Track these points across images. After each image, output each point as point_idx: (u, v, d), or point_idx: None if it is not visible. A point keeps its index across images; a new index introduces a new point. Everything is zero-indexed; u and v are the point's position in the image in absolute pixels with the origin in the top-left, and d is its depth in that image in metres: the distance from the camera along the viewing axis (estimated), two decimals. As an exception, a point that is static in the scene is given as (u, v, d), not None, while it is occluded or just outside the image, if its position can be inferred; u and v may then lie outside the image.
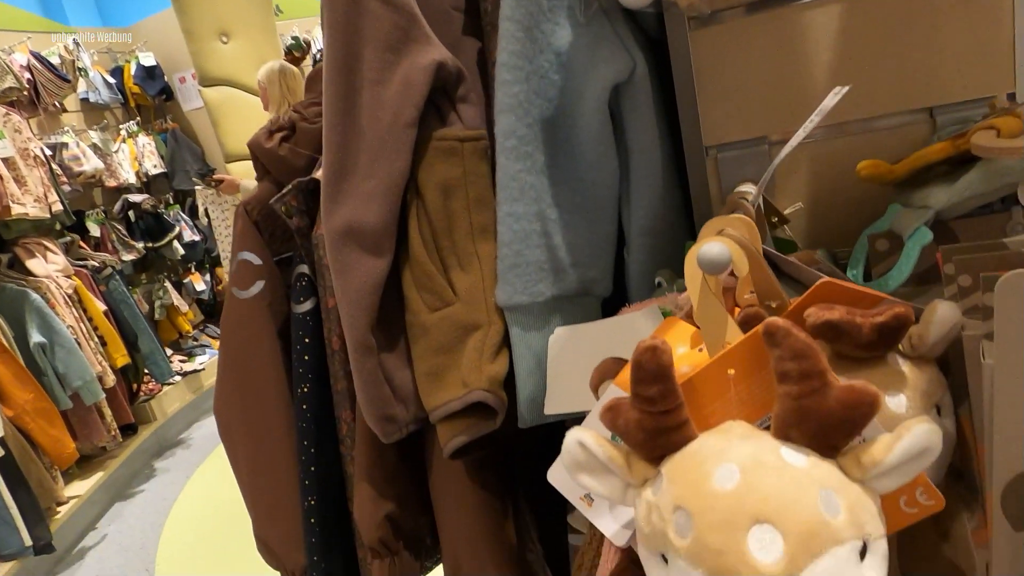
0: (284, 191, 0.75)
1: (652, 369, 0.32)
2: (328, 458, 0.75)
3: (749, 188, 0.64)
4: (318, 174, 0.73)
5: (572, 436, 0.32)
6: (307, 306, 0.77)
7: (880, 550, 0.29)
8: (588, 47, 0.60)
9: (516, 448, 0.68)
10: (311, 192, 0.75)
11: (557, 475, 0.42)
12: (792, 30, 0.61)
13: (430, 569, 0.77)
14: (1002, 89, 0.57)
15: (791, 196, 0.65)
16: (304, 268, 0.78)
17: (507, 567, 0.65)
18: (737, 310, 0.46)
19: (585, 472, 0.32)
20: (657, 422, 0.32)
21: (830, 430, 0.30)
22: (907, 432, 0.29)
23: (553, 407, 0.57)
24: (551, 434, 0.69)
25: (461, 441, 0.59)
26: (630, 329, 0.52)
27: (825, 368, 0.30)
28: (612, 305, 0.67)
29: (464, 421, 0.59)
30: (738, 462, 0.30)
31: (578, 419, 0.61)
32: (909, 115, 0.60)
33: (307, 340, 0.75)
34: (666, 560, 0.29)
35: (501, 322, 0.61)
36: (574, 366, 0.58)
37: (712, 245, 0.34)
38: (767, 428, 0.32)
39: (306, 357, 0.75)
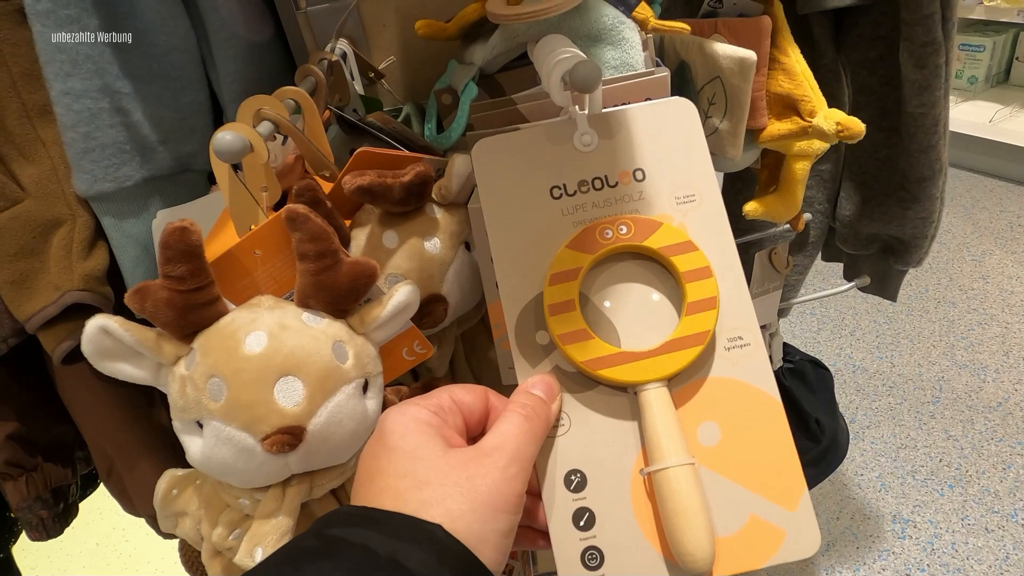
0: None
1: (180, 249, 0.33)
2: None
3: (343, 45, 0.65)
4: None
5: (93, 324, 0.32)
6: None
7: (377, 383, 0.37)
8: None
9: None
10: None
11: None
12: None
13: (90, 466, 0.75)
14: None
15: (385, 50, 0.68)
16: None
17: (161, 451, 0.67)
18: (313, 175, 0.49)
19: (112, 359, 0.33)
20: (187, 299, 0.34)
21: (340, 298, 0.36)
22: (395, 294, 0.36)
23: (167, 292, 0.56)
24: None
25: (68, 347, 0.56)
26: (223, 206, 0.52)
27: (337, 248, 0.35)
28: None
29: (67, 325, 0.56)
30: (266, 329, 0.34)
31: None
32: (472, -32, 0.64)
33: None
34: (201, 426, 0.33)
35: (88, 213, 0.56)
36: (182, 248, 0.57)
37: (224, 135, 0.35)
38: (292, 299, 0.36)
39: None
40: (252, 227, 0.38)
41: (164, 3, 0.56)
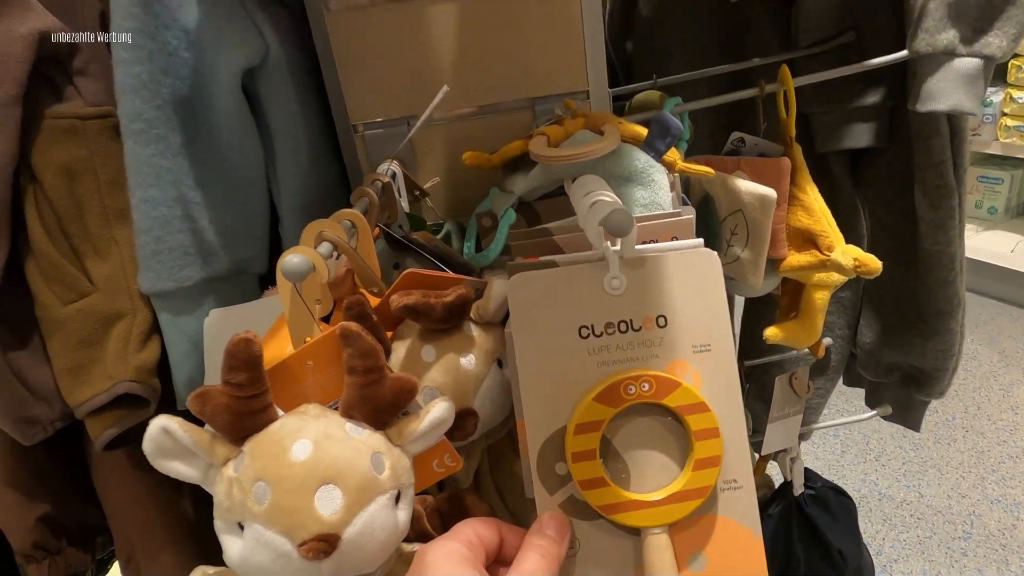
0: None
1: (244, 359, 0.36)
2: (-35, 467, 0.67)
3: (393, 165, 0.71)
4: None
5: (156, 424, 0.35)
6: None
7: (409, 495, 0.39)
8: (217, 28, 0.59)
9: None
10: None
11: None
12: (418, 22, 0.67)
13: (106, 550, 0.76)
14: (582, 86, 0.71)
15: (431, 171, 0.74)
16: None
17: (183, 543, 0.67)
18: (360, 288, 0.53)
19: (169, 457, 0.36)
20: (244, 406, 0.36)
21: (382, 411, 0.38)
22: (432, 409, 0.38)
23: (211, 386, 0.59)
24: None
25: (112, 434, 0.58)
26: (275, 311, 0.56)
27: (383, 364, 0.38)
28: (275, 279, 0.70)
29: (114, 414, 0.58)
30: (311, 437, 0.36)
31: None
32: (515, 104, 0.71)
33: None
34: (242, 528, 0.35)
35: (148, 309, 0.61)
36: (229, 345, 0.61)
37: (292, 258, 0.39)
38: (336, 408, 0.39)
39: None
40: (307, 339, 0.42)
41: (241, 125, 0.62)
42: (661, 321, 0.40)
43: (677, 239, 0.47)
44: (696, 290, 0.39)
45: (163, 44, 0.57)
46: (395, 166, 0.71)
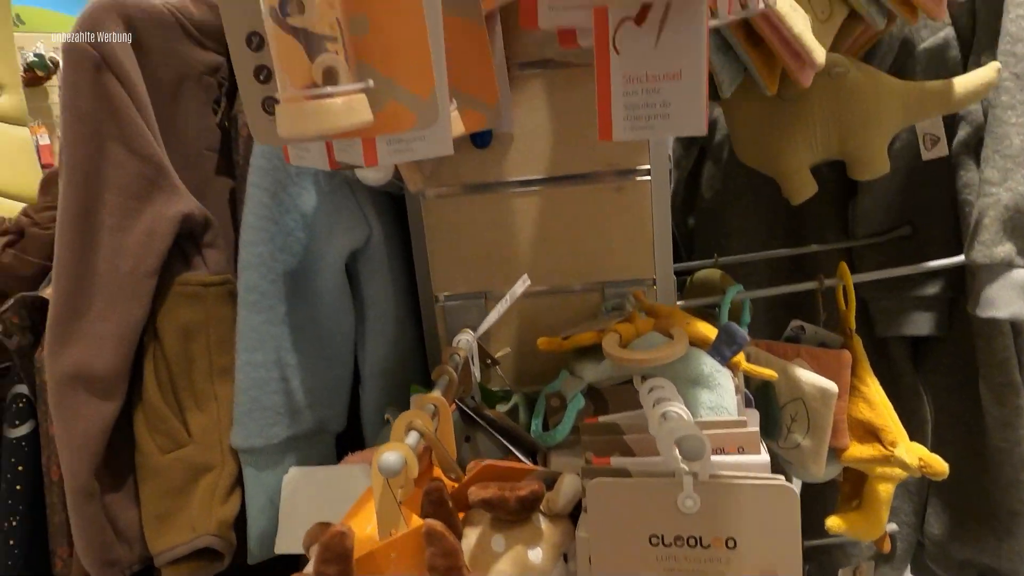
0: (4, 307, 0.71)
1: (338, 551, 0.39)
2: (40, 598, 0.70)
3: (467, 334, 0.76)
4: (46, 292, 0.71)
5: None
6: (23, 430, 0.73)
7: None
8: (329, 213, 0.67)
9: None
10: (36, 308, 0.73)
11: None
12: (503, 210, 0.75)
13: None
14: (649, 274, 0.76)
15: (503, 342, 0.79)
16: (22, 388, 0.74)
17: None
18: (437, 470, 0.56)
19: None
20: None
21: None
22: None
23: (283, 546, 0.62)
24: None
25: (185, 585, 0.61)
26: (350, 479, 0.60)
27: (463, 565, 0.41)
28: (350, 437, 0.74)
29: (190, 564, 0.61)
30: None
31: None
32: (585, 287, 0.76)
33: (20, 468, 0.71)
34: None
35: (235, 463, 0.65)
36: (305, 506, 0.64)
37: (388, 455, 0.43)
38: (413, 603, 0.41)
39: (18, 487, 0.71)
40: (393, 532, 0.45)
41: (340, 298, 0.69)
42: (731, 543, 0.41)
43: (743, 450, 0.50)
44: (769, 521, 0.41)
45: (283, 227, 0.66)
46: (468, 334, 0.76)
